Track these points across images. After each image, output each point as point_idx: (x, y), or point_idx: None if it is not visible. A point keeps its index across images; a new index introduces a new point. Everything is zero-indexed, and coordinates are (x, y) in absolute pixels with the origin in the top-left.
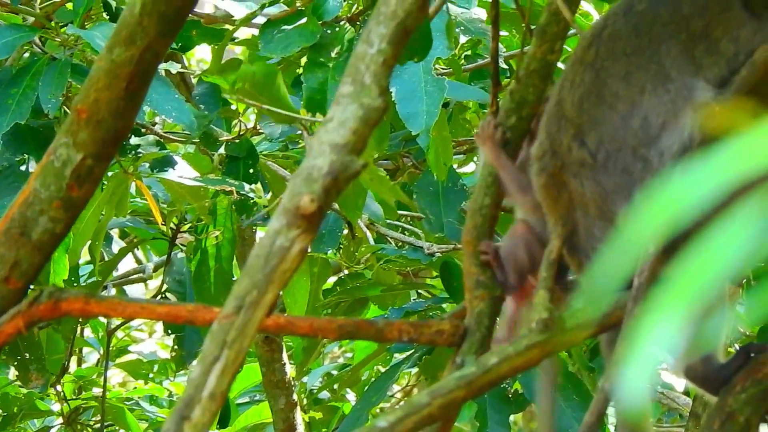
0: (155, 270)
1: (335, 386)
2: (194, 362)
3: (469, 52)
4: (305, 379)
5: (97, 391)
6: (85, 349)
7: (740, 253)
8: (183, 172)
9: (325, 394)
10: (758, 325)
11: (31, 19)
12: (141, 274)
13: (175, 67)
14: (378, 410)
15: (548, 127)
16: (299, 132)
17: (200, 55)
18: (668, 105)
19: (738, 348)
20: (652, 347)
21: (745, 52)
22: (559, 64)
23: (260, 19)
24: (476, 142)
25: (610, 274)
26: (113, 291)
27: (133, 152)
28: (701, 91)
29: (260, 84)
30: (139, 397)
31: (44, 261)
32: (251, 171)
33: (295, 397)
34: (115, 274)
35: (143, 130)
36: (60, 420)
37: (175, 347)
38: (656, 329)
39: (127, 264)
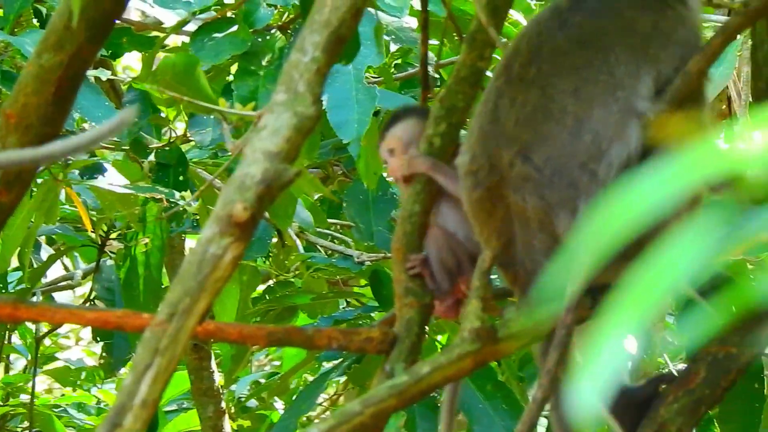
0: (84, 277)
1: (263, 394)
2: (122, 370)
3: (399, 61)
4: (233, 387)
5: (24, 397)
6: (12, 356)
7: (685, 268)
8: (113, 180)
9: (253, 403)
10: (688, 351)
11: None
12: (69, 281)
13: (105, 74)
14: (306, 419)
15: (483, 143)
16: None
17: (127, 62)
18: (617, 116)
19: (648, 379)
20: (607, 358)
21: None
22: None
23: (191, 26)
24: (403, 168)
25: (555, 286)
26: (41, 298)
27: (63, 159)
28: (642, 101)
29: (180, 74)
30: (67, 404)
31: None
32: (181, 178)
33: (223, 405)
34: (43, 281)
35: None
36: None
37: (104, 354)
38: (610, 341)
39: (55, 271)
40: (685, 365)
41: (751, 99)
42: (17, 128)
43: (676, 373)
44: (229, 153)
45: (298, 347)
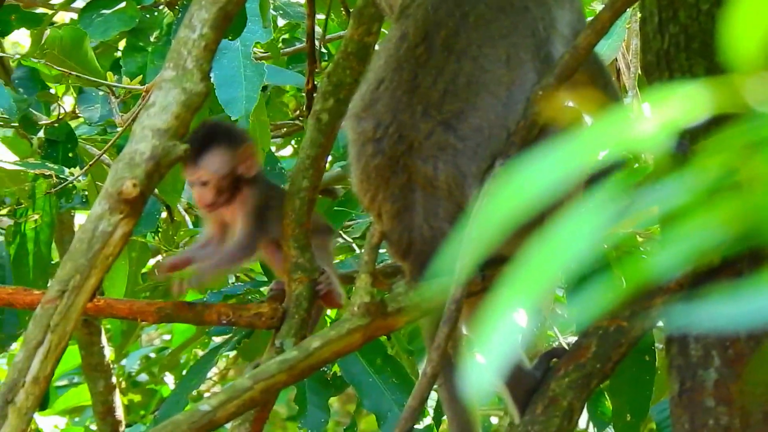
0: None
1: (154, 369)
2: (13, 345)
3: (287, 36)
4: (124, 362)
5: None
6: None
7: (583, 243)
8: (2, 156)
9: (143, 377)
10: (579, 325)
11: None
12: None
13: None
14: (196, 393)
15: (395, 112)
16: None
17: (15, 38)
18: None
19: (540, 355)
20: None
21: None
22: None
23: (79, 3)
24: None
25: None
26: None
27: None
28: (533, 73)
29: (68, 48)
30: None
31: None
32: (70, 155)
33: (114, 379)
34: None
35: None
36: None
37: None
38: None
39: None
40: (576, 338)
41: (640, 72)
42: None
43: (566, 347)
44: (118, 128)
45: (188, 323)
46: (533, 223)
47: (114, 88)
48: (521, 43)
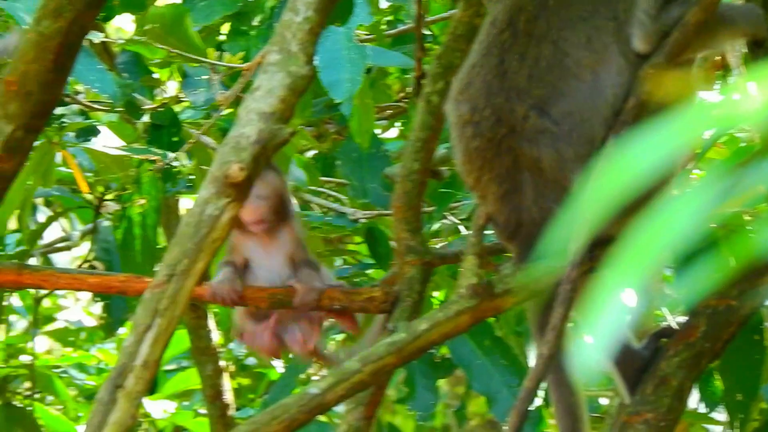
0: (81, 238)
1: None
2: (122, 329)
3: (390, 18)
4: (232, 345)
5: (25, 358)
6: (12, 317)
7: (690, 222)
8: (107, 141)
9: (252, 361)
10: (688, 305)
11: None
12: (67, 243)
13: (97, 37)
14: (305, 376)
15: (488, 96)
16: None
17: (118, 24)
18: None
19: (650, 335)
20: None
21: None
22: None
23: None
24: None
25: (557, 241)
26: (40, 259)
27: (58, 122)
28: (617, 56)
29: (169, 26)
30: (67, 365)
31: None
32: (175, 139)
33: (222, 363)
34: (41, 242)
35: (67, 100)
36: None
37: (103, 314)
38: (610, 298)
39: (53, 233)
40: (685, 318)
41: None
42: (18, 95)
43: (676, 327)
44: (220, 106)
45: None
46: (640, 202)
47: (216, 66)
48: (602, 26)
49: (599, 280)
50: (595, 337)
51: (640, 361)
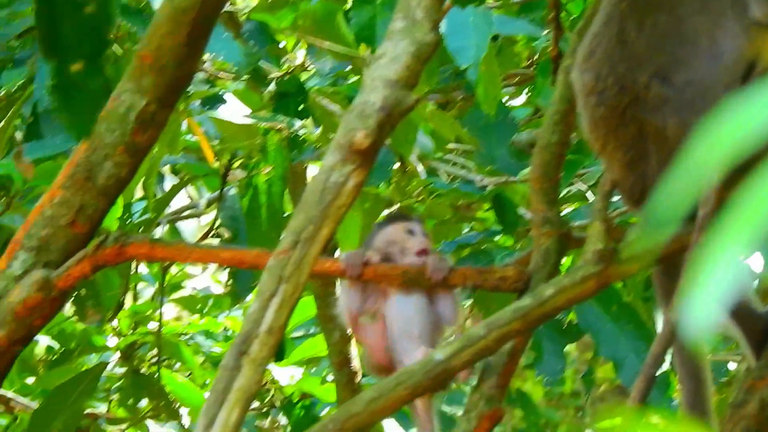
0: (208, 206)
1: None
2: (249, 296)
3: None
4: None
5: (152, 326)
6: (140, 285)
7: None
8: (233, 110)
9: None
10: None
11: None
12: (194, 210)
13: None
14: None
15: (611, 65)
16: (348, 68)
17: None
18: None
19: None
20: (719, 275)
21: None
22: None
23: None
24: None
25: (673, 203)
26: (166, 227)
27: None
28: (733, 22)
29: (321, 21)
30: (194, 332)
31: (109, 205)
32: (301, 107)
33: (349, 330)
34: (168, 210)
35: None
36: (117, 355)
37: (230, 282)
38: (722, 257)
39: (179, 201)
40: None
41: None
42: (152, 69)
43: None
44: (348, 82)
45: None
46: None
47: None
48: None
49: (715, 239)
50: (710, 293)
51: (764, 325)
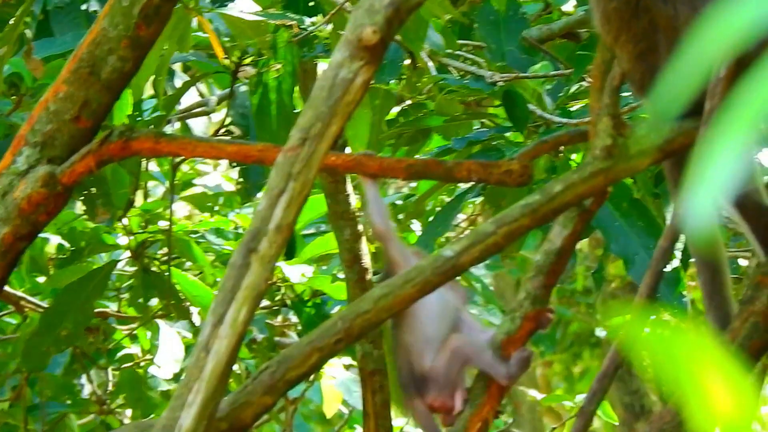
0: (218, 103)
1: (400, 216)
2: (259, 194)
3: None
4: None
5: (163, 224)
6: (150, 183)
7: None
8: (243, 7)
9: None
10: None
11: None
12: (204, 108)
13: None
14: (443, 240)
15: None
16: None
17: None
18: None
19: None
20: (721, 168)
21: None
22: None
23: None
24: None
25: (675, 93)
26: (177, 125)
27: None
28: None
29: None
30: (205, 230)
31: (113, 100)
32: (311, 4)
33: (360, 227)
34: (178, 107)
35: None
36: (127, 253)
37: (240, 180)
38: (724, 149)
39: (190, 98)
40: None
41: None
42: None
43: None
44: None
45: (438, 180)
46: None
47: None
48: None
49: (718, 131)
50: (712, 186)
51: None
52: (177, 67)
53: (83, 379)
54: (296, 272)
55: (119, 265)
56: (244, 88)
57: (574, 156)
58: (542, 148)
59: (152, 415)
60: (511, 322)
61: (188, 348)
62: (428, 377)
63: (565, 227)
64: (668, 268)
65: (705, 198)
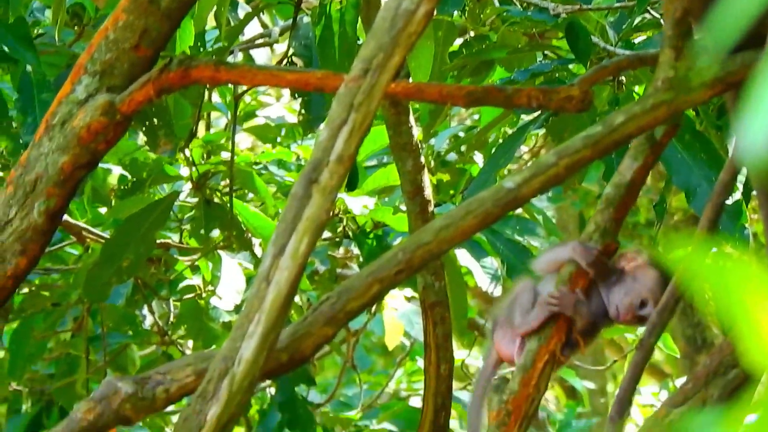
0: (281, 34)
1: (462, 148)
2: (321, 126)
3: None
4: (432, 141)
5: (225, 155)
6: (213, 114)
7: None
8: None
9: (452, 156)
10: None
11: None
12: (267, 39)
13: None
14: (506, 172)
15: None
16: None
17: None
18: None
19: None
20: None
21: None
22: None
23: None
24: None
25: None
26: (240, 56)
27: None
28: None
29: None
30: (267, 161)
31: (173, 29)
32: None
33: (422, 159)
34: (241, 38)
35: None
36: (189, 185)
37: (302, 111)
38: None
39: (252, 29)
40: None
41: None
42: None
43: None
44: None
45: (498, 106)
46: None
47: None
48: None
49: None
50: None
51: None
52: None
53: (145, 310)
54: (358, 204)
55: (181, 196)
56: (307, 19)
57: (636, 88)
58: (602, 74)
59: (213, 346)
60: None
61: (249, 279)
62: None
63: (635, 160)
64: (730, 201)
65: (762, 127)
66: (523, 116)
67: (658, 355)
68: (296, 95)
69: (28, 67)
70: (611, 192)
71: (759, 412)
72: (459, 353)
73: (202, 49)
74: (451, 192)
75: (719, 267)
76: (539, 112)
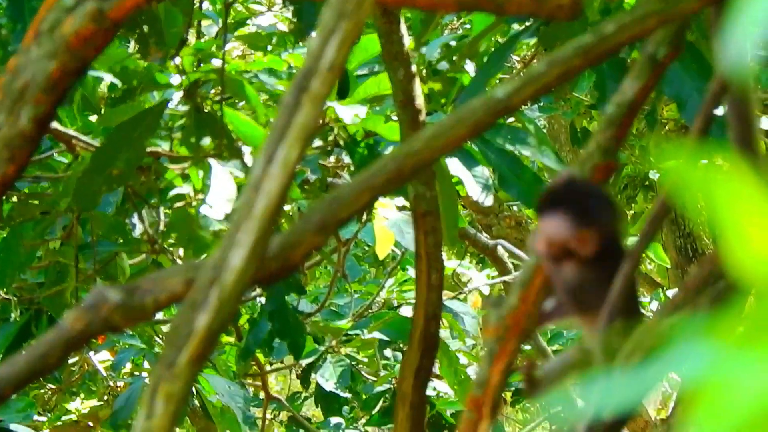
0: None
1: (454, 57)
2: (312, 34)
3: None
4: (424, 50)
5: (216, 63)
6: (204, 22)
7: None
8: None
9: (444, 65)
10: None
11: None
12: None
13: None
14: (497, 81)
15: None
16: None
17: None
18: None
19: None
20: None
21: None
22: None
23: None
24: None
25: None
26: None
27: None
28: None
29: None
30: (257, 70)
31: None
32: None
33: (413, 68)
34: None
35: None
36: (180, 93)
37: (294, 19)
38: None
39: None
40: None
41: None
42: None
43: None
44: None
45: (488, 12)
46: None
47: None
48: None
49: None
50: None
51: None
52: None
53: (135, 218)
54: (349, 112)
55: (171, 105)
56: None
57: None
58: None
59: (204, 255)
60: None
61: (240, 187)
62: None
63: (637, 79)
64: (720, 111)
65: (741, 39)
66: (514, 26)
67: (650, 266)
68: (287, 3)
69: None
70: (613, 111)
71: (748, 323)
72: (450, 263)
73: None
74: (443, 101)
75: (709, 177)
76: (530, 21)
